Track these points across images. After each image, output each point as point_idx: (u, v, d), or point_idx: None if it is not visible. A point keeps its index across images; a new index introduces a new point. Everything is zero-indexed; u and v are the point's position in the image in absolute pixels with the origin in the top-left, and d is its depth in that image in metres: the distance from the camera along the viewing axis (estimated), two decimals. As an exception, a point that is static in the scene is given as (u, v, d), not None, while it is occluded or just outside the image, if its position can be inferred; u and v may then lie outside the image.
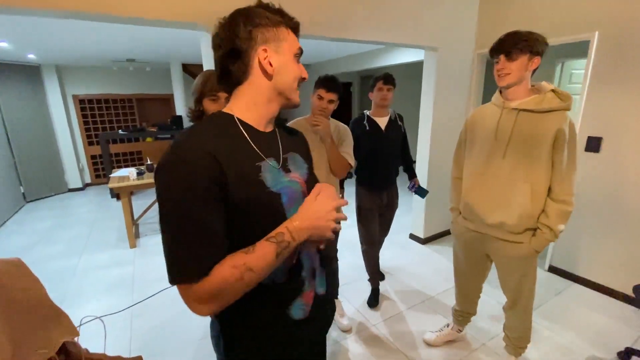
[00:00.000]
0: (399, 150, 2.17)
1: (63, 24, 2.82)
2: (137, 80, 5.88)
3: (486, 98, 3.19)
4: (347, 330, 2.00)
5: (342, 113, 6.88)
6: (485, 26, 2.88)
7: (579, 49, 3.16)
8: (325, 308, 0.87)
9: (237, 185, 0.62)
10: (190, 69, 5.55)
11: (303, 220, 0.65)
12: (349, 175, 2.19)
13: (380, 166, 2.08)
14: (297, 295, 0.76)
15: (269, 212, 0.68)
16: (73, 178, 5.50)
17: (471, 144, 1.53)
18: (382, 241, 2.36)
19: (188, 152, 0.60)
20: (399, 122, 2.12)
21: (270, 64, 0.68)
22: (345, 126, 1.84)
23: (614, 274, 2.30)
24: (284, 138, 0.80)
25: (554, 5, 2.40)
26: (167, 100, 6.32)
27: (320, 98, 1.67)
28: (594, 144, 2.30)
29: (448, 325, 1.92)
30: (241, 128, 0.69)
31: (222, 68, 0.69)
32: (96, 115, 5.73)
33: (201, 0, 1.74)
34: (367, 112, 2.11)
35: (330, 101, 1.67)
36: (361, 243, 2.22)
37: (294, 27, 0.72)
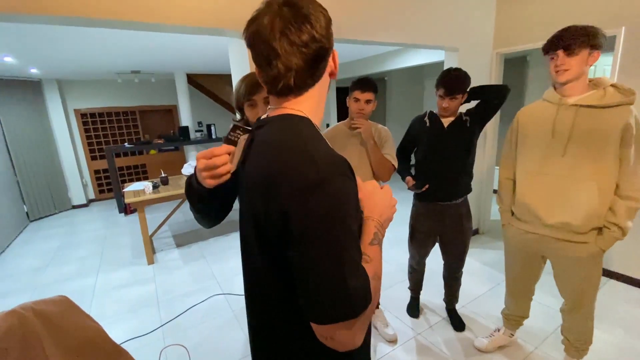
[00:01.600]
0: (467, 157, 1.77)
1: (69, 37, 2.74)
2: (140, 92, 5.79)
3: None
4: (393, 341, 1.93)
5: (342, 119, 6.86)
6: (504, 25, 2.88)
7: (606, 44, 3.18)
8: None
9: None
10: (195, 79, 5.49)
11: (381, 215, 0.64)
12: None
13: (439, 172, 1.79)
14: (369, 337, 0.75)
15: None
16: (77, 194, 5.35)
17: (523, 143, 1.49)
18: (452, 276, 1.99)
19: (341, 161, 0.56)
20: (466, 120, 1.73)
21: (335, 67, 0.66)
22: (385, 128, 1.79)
23: (653, 268, 2.28)
24: None
25: (576, 0, 2.41)
26: (170, 112, 6.23)
27: (357, 100, 1.64)
28: (624, 139, 2.29)
29: (499, 330, 1.86)
30: (321, 134, 0.64)
31: (310, 67, 0.59)
32: (99, 129, 5.61)
33: (229, 6, 1.69)
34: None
35: (368, 101, 1.63)
36: (410, 256, 2.08)
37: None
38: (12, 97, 4.42)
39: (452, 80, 1.65)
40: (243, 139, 0.63)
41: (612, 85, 1.29)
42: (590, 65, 1.29)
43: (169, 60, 4.17)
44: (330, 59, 0.63)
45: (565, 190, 1.35)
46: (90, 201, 5.63)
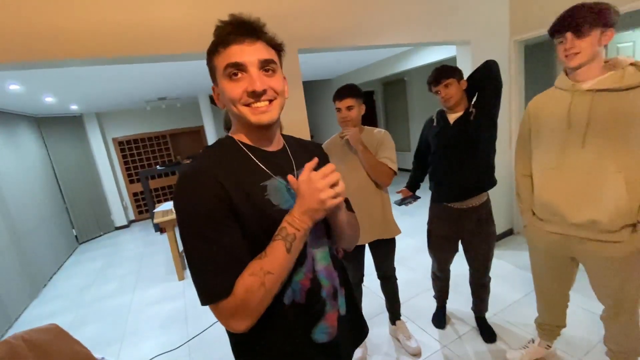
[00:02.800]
0: (479, 151, 1.64)
1: (100, 75, 2.99)
2: (169, 116, 6.16)
3: (528, 86, 2.99)
4: (416, 354, 1.83)
5: (365, 122, 6.79)
6: (520, 8, 2.69)
7: (626, 20, 2.89)
8: (349, 329, 0.85)
9: (243, 204, 0.64)
10: (217, 99, 5.74)
11: (299, 207, 0.64)
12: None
13: (448, 171, 1.69)
14: (320, 318, 0.74)
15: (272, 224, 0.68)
16: (119, 216, 5.76)
17: (537, 136, 1.37)
18: (477, 283, 1.86)
19: (192, 178, 0.63)
20: (472, 113, 1.60)
21: (220, 99, 0.71)
22: (384, 131, 1.72)
23: None
24: (298, 154, 0.80)
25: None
26: (198, 132, 6.55)
27: (339, 110, 1.64)
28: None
29: (533, 341, 1.70)
30: (245, 149, 0.71)
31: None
32: (134, 155, 6.03)
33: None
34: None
35: (349, 108, 1.61)
36: (432, 264, 1.98)
37: (225, 40, 0.66)
38: (57, 132, 4.90)
39: (433, 72, 1.63)
40: None
41: (631, 64, 1.15)
42: (604, 45, 1.16)
43: (191, 84, 4.41)
44: (214, 97, 0.73)
45: (589, 184, 1.21)
46: (130, 222, 6.03)
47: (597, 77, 1.18)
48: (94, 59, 1.50)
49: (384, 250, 1.81)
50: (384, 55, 4.67)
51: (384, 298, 2.00)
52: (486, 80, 1.59)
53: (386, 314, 2.10)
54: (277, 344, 0.71)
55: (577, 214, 1.25)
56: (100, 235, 5.47)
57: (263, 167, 0.70)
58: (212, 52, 0.68)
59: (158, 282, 3.36)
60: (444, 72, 1.60)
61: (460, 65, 2.73)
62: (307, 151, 0.84)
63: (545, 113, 1.32)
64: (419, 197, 2.00)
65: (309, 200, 0.63)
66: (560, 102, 1.26)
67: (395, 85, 6.55)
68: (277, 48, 0.72)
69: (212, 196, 0.62)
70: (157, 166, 5.54)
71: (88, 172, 5.34)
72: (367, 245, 1.79)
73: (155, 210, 3.53)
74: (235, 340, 0.75)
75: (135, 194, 6.10)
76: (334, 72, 5.63)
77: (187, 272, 3.46)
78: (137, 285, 3.35)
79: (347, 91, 1.62)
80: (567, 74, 1.27)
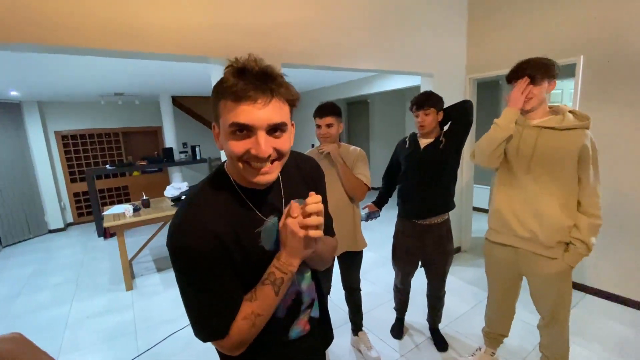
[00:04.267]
0: (443, 176, 1.80)
1: (51, 61, 2.75)
2: (123, 113, 5.77)
3: (480, 120, 3.35)
4: (376, 363, 1.91)
5: (330, 138, 6.97)
6: (474, 53, 3.06)
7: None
8: (321, 328, 0.92)
9: (238, 254, 0.67)
10: (180, 102, 5.52)
11: (284, 251, 0.68)
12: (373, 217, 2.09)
13: (415, 191, 1.82)
14: (294, 322, 0.82)
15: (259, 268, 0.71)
16: (54, 218, 5.18)
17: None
18: (434, 295, 2.00)
19: (191, 230, 0.63)
20: (442, 142, 1.76)
21: (220, 140, 0.68)
22: (358, 149, 1.83)
23: (625, 282, 2.37)
24: (288, 183, 0.78)
25: (535, 31, 2.60)
26: (155, 133, 6.20)
27: (319, 126, 1.71)
28: (589, 158, 2.43)
29: (480, 349, 1.88)
30: (240, 193, 0.70)
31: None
32: (80, 151, 5.52)
33: (211, 35, 1.76)
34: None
35: (328, 125, 1.69)
36: (395, 276, 2.08)
37: (237, 96, 0.59)
38: (-11, 119, 4.32)
39: (421, 96, 1.77)
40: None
41: (570, 112, 1.40)
42: (549, 93, 1.40)
43: (154, 83, 4.21)
44: (214, 134, 0.70)
45: (531, 204, 1.44)
46: (68, 225, 5.44)
47: (542, 118, 1.42)
48: (52, 46, 1.40)
49: (352, 262, 1.89)
50: (351, 77, 4.91)
51: (346, 310, 2.07)
52: (461, 117, 1.78)
53: (347, 326, 2.16)
54: (256, 345, 0.74)
55: (522, 228, 1.46)
56: (30, 238, 4.86)
57: (257, 211, 0.70)
58: (220, 95, 0.62)
59: (101, 292, 3.07)
60: (429, 100, 1.75)
61: (423, 94, 3.00)
62: (301, 174, 0.83)
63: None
64: (379, 216, 2.13)
65: (291, 244, 0.66)
66: (514, 133, 1.48)
67: (359, 106, 6.86)
68: (292, 104, 0.66)
69: (210, 251, 0.63)
70: (107, 165, 5.12)
71: (21, 166, 4.75)
72: (336, 258, 1.86)
73: (104, 213, 3.26)
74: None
75: (76, 194, 5.55)
76: (301, 87, 5.75)
77: (137, 282, 3.22)
78: (75, 296, 3.03)
79: (329, 110, 1.69)
80: (520, 112, 1.50)
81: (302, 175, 0.84)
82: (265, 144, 0.61)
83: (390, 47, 2.50)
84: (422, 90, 2.96)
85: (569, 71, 2.56)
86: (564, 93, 3.94)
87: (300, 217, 0.65)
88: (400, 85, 4.32)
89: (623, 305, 2.37)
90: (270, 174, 0.65)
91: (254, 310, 0.67)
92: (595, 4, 2.28)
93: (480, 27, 2.98)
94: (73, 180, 5.49)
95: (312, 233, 0.64)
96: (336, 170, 1.72)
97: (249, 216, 0.70)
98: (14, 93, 4.12)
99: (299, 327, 0.83)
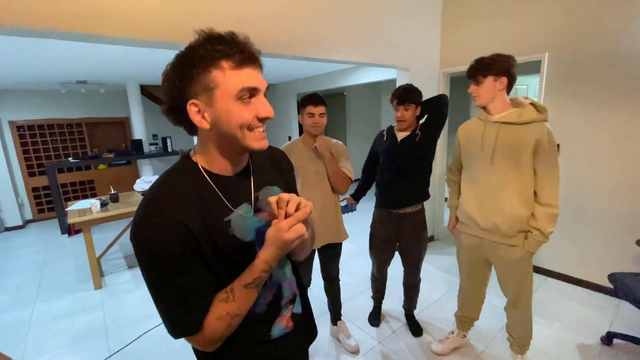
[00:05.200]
0: (419, 168, 1.86)
1: (2, 44, 2.52)
2: (87, 103, 5.42)
3: (453, 113, 3.45)
4: (355, 352, 1.96)
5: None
6: (448, 48, 3.14)
7: (523, 67, 3.56)
8: (305, 324, 0.90)
9: (207, 244, 0.64)
10: (149, 91, 5.26)
11: (267, 252, 0.64)
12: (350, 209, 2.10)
13: (392, 182, 1.87)
14: (276, 319, 0.79)
15: (246, 260, 0.67)
16: (11, 215, 4.82)
17: (464, 155, 1.66)
18: (409, 282, 2.07)
19: (155, 221, 0.60)
20: (418, 135, 1.80)
21: (205, 117, 0.62)
22: (340, 142, 1.86)
23: (582, 266, 2.56)
24: (258, 172, 0.76)
25: (505, 29, 2.70)
26: (122, 124, 5.89)
27: (312, 115, 1.69)
28: (552, 150, 2.58)
29: (453, 332, 1.97)
30: (209, 180, 0.67)
31: (172, 120, 0.67)
32: (38, 143, 5.14)
33: (181, 20, 1.68)
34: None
35: (321, 115, 1.70)
36: (372, 265, 2.13)
37: (240, 60, 0.60)
38: None
39: (403, 91, 1.79)
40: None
41: (530, 104, 1.47)
42: (502, 89, 1.45)
43: (120, 71, 3.98)
44: (192, 113, 0.62)
45: (494, 197, 1.51)
46: (27, 222, 5.09)
47: (502, 112, 1.48)
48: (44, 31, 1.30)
49: (333, 253, 1.91)
50: (327, 69, 4.88)
51: (325, 301, 2.10)
52: (437, 112, 1.82)
53: (325, 317, 2.19)
54: (238, 345, 0.73)
55: (485, 220, 1.54)
56: (-17, 237, 4.50)
57: (225, 200, 0.67)
58: (209, 64, 0.59)
59: (68, 292, 2.91)
60: (411, 96, 1.77)
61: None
62: (273, 163, 0.83)
63: (468, 137, 1.62)
64: (356, 210, 2.15)
65: (276, 245, 0.63)
66: (478, 129, 1.56)
67: (336, 98, 6.86)
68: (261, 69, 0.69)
69: (177, 242, 0.60)
70: (70, 158, 4.80)
71: (-29, 160, 4.37)
72: (316, 250, 1.87)
73: (68, 209, 3.07)
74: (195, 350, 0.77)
75: (36, 189, 5.18)
76: (277, 77, 5.66)
77: (106, 280, 3.08)
78: (38, 297, 2.85)
79: (322, 99, 1.68)
80: (483, 108, 1.56)
81: (274, 164, 0.83)
82: (268, 104, 0.65)
83: (367, 40, 2.51)
84: (397, 84, 3.03)
85: (536, 67, 2.69)
86: (529, 88, 4.14)
87: (288, 219, 0.63)
88: (376, 78, 4.35)
89: (580, 286, 2.56)
90: (266, 138, 0.68)
91: (231, 311, 0.64)
92: (560, 4, 2.40)
93: (454, 23, 3.05)
94: (32, 174, 5.12)
95: (303, 231, 0.63)
96: (323, 163, 1.72)
97: (218, 205, 0.66)
98: (-41, 79, 3.75)
99: (282, 325, 0.80)
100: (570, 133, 2.48)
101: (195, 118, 0.62)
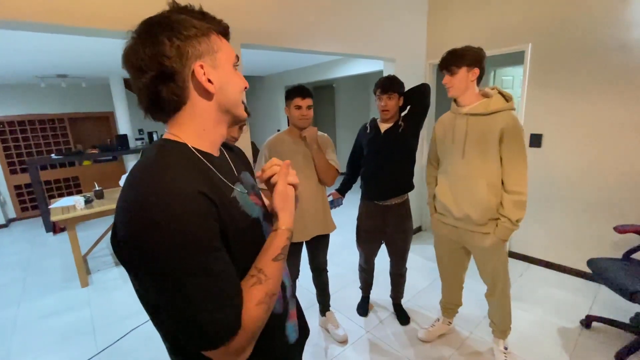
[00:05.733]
0: (403, 159, 1.88)
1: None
2: (69, 97, 5.27)
3: (439, 103, 3.47)
4: (344, 341, 1.99)
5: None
6: (433, 39, 3.14)
7: (508, 58, 3.60)
8: (301, 319, 0.85)
9: (229, 221, 0.57)
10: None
11: (285, 218, 0.67)
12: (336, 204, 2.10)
13: (377, 174, 1.88)
14: (287, 317, 0.74)
15: (257, 239, 0.65)
16: (-7, 214, 4.70)
17: (440, 148, 1.70)
18: (396, 272, 2.10)
19: (180, 197, 0.49)
20: (401, 126, 1.81)
21: (210, 82, 0.58)
22: (326, 135, 1.86)
23: (563, 252, 2.63)
24: (231, 157, 0.74)
25: (490, 20, 2.71)
26: (107, 119, 5.76)
27: (299, 107, 1.68)
28: (536, 140, 2.63)
29: (438, 320, 2.01)
30: (204, 160, 0.60)
31: (153, 94, 0.56)
32: (19, 139, 4.99)
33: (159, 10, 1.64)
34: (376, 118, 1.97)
35: (309, 107, 1.70)
36: (360, 256, 2.15)
37: (225, 32, 0.63)
38: None
39: (385, 80, 1.80)
40: None
41: (498, 92, 1.50)
42: (473, 80, 1.49)
43: (102, 63, 3.87)
44: (190, 80, 0.57)
45: (466, 187, 1.55)
46: (10, 221, 4.97)
47: (472, 104, 1.51)
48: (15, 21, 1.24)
49: (321, 245, 1.92)
50: (315, 61, 4.84)
51: (314, 292, 2.11)
52: (420, 101, 1.83)
53: (315, 308, 2.21)
54: (262, 351, 0.64)
55: (458, 210, 1.58)
56: (-36, 237, 4.38)
57: (222, 177, 0.62)
58: (208, 28, 0.59)
59: (53, 290, 2.87)
60: (393, 85, 1.78)
61: (386, 79, 3.04)
62: (233, 152, 0.80)
63: (443, 131, 1.65)
64: (342, 204, 2.15)
65: (290, 207, 0.67)
66: (450, 122, 1.60)
67: (324, 90, 6.82)
68: None
69: (210, 218, 0.52)
70: (52, 155, 4.68)
71: (-52, 158, 4.23)
72: (304, 242, 1.88)
73: (51, 207, 3.01)
74: None
75: (18, 187, 5.05)
76: (266, 70, 5.59)
77: (94, 277, 3.04)
78: (23, 296, 2.80)
79: (309, 91, 1.68)
80: (455, 101, 1.59)
81: (236, 154, 0.81)
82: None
83: (353, 31, 2.49)
84: (384, 75, 3.02)
85: (520, 58, 2.72)
86: (515, 80, 4.19)
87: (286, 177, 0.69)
88: (364, 70, 4.33)
89: (563, 273, 2.64)
90: None
91: (268, 291, 0.57)
92: (542, -6, 2.41)
93: (440, 13, 3.05)
94: (13, 172, 4.98)
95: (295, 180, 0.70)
96: (310, 155, 1.72)
97: (220, 182, 0.61)
98: None
99: (292, 323, 0.76)
100: (553, 123, 2.52)
101: (204, 81, 0.57)
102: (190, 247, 0.49)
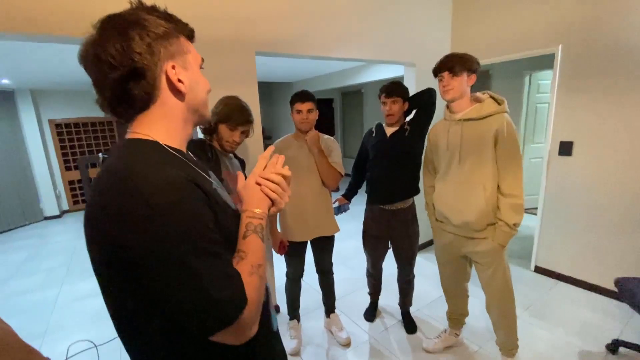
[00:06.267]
0: (409, 162, 1.87)
1: (42, 49, 2.78)
2: (117, 102, 5.79)
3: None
4: (346, 345, 1.99)
5: (325, 128, 7.00)
6: (459, 43, 3.05)
7: (545, 61, 3.39)
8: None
9: (217, 209, 0.59)
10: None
11: (258, 203, 0.66)
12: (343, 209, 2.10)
13: (383, 178, 1.88)
14: (269, 306, 0.76)
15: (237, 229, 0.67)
16: (49, 205, 5.27)
17: (436, 156, 1.67)
18: (403, 279, 2.07)
19: (175, 184, 0.51)
20: (407, 130, 1.81)
21: (181, 82, 0.59)
22: (332, 138, 1.90)
23: (595, 270, 2.41)
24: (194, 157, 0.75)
25: (519, 21, 2.60)
26: (148, 122, 6.23)
27: (299, 112, 1.74)
28: (566, 148, 2.45)
29: (445, 331, 1.95)
30: (178, 155, 0.61)
31: (121, 91, 0.55)
32: (74, 140, 5.57)
33: (197, 26, 1.77)
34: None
35: (309, 110, 1.74)
36: (367, 261, 2.15)
37: (191, 35, 0.64)
38: (-18, 107, 4.38)
39: (390, 84, 1.81)
40: None
41: (490, 97, 1.47)
42: (469, 86, 1.47)
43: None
44: (163, 77, 0.58)
45: (463, 193, 1.51)
46: (63, 212, 5.54)
47: (465, 110, 1.48)
48: (33, 35, 1.44)
49: (325, 247, 1.95)
50: (344, 66, 4.89)
51: (321, 293, 2.14)
52: (427, 105, 1.83)
53: (322, 309, 2.23)
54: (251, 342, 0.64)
55: (456, 217, 1.54)
56: (25, 225, 4.96)
57: (200, 171, 0.64)
58: (177, 31, 0.61)
59: (91, 275, 3.14)
60: (397, 89, 1.80)
61: (406, 83, 3.00)
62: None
63: (437, 138, 1.63)
64: (349, 209, 2.13)
65: (257, 197, 0.67)
66: (444, 129, 1.58)
67: (353, 95, 6.85)
68: None
69: (205, 204, 0.55)
70: (100, 154, 5.17)
71: (16, 154, 4.83)
72: (309, 242, 1.92)
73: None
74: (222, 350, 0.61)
75: (71, 182, 5.62)
76: (295, 76, 5.74)
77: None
78: (65, 279, 3.12)
79: (308, 95, 1.74)
80: (448, 108, 1.57)
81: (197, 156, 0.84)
82: None
83: (369, 36, 2.50)
84: (405, 80, 3.00)
85: (548, 62, 2.56)
86: (541, 85, 3.96)
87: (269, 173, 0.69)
88: (391, 75, 4.31)
89: (593, 292, 2.42)
90: None
91: (253, 262, 0.59)
92: (573, -7, 2.27)
93: (464, 16, 2.97)
94: (68, 169, 5.56)
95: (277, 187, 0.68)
96: (314, 158, 1.77)
97: (198, 174, 0.62)
98: (5, 81, 4.16)
99: (273, 310, 0.79)
100: (585, 130, 2.35)
101: (175, 81, 0.59)
102: (198, 230, 0.52)
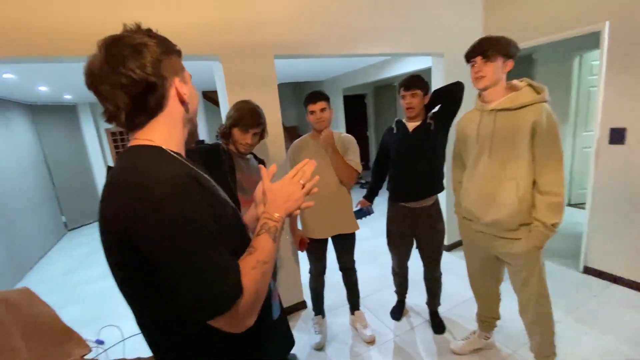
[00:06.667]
0: (433, 157, 1.82)
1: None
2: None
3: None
4: (370, 342, 1.99)
5: (357, 125, 6.96)
6: (492, 28, 2.86)
7: (596, 40, 3.06)
8: (280, 300, 0.93)
9: (216, 205, 0.65)
10: (210, 96, 5.87)
11: (278, 208, 0.73)
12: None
13: (407, 175, 1.84)
14: (272, 296, 0.82)
15: (239, 224, 0.75)
16: (108, 205, 5.86)
17: (464, 149, 1.57)
18: (430, 277, 2.02)
19: (177, 178, 0.58)
20: (431, 124, 1.77)
21: (184, 93, 0.69)
22: (349, 135, 1.89)
23: (656, 271, 2.15)
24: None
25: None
26: (190, 126, 6.66)
27: (313, 112, 1.76)
28: (618, 136, 2.21)
29: (475, 333, 1.87)
30: (179, 158, 0.66)
31: (140, 103, 0.62)
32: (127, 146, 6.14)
33: (219, 35, 1.88)
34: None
35: (322, 110, 1.75)
36: (392, 260, 2.13)
37: (180, 55, 0.71)
38: (51, 120, 5.01)
39: (409, 78, 1.76)
40: None
41: (528, 85, 1.34)
42: (505, 73, 1.35)
43: (196, 80, 4.52)
44: (172, 89, 0.67)
45: (494, 190, 1.40)
46: (120, 211, 6.13)
47: (500, 99, 1.36)
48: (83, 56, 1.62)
49: (346, 244, 1.97)
50: (374, 59, 4.81)
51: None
52: (452, 100, 1.75)
53: (347, 305, 2.25)
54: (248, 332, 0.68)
55: (485, 215, 1.44)
56: (90, 223, 5.58)
57: (199, 171, 0.69)
58: (169, 51, 0.67)
59: (141, 269, 3.48)
60: (416, 82, 1.75)
61: (434, 75, 2.89)
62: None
63: (466, 130, 1.52)
64: (373, 212, 2.10)
65: (286, 205, 0.74)
66: (474, 120, 1.46)
67: (386, 90, 6.71)
68: None
69: (205, 199, 0.61)
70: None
71: (79, 161, 5.45)
72: (330, 240, 1.95)
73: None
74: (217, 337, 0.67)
75: (125, 185, 6.21)
76: (324, 73, 5.76)
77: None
78: (120, 272, 3.47)
79: (319, 95, 1.76)
80: (480, 96, 1.45)
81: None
82: None
83: (392, 28, 2.43)
84: (433, 72, 2.88)
85: (593, 41, 2.32)
86: (593, 67, 3.53)
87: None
88: (421, 66, 4.15)
89: (653, 296, 2.16)
90: None
91: (259, 258, 0.64)
92: (622, -39, 2.03)
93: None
94: (123, 172, 6.14)
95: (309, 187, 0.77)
96: (329, 156, 1.79)
97: (197, 173, 0.67)
98: (67, 97, 4.70)
99: (276, 301, 0.84)
100: (638, 116, 2.09)
101: (182, 93, 0.68)
102: (199, 223, 0.57)
